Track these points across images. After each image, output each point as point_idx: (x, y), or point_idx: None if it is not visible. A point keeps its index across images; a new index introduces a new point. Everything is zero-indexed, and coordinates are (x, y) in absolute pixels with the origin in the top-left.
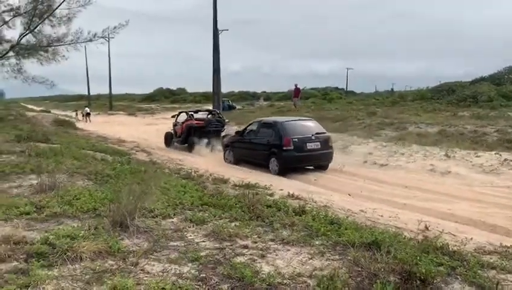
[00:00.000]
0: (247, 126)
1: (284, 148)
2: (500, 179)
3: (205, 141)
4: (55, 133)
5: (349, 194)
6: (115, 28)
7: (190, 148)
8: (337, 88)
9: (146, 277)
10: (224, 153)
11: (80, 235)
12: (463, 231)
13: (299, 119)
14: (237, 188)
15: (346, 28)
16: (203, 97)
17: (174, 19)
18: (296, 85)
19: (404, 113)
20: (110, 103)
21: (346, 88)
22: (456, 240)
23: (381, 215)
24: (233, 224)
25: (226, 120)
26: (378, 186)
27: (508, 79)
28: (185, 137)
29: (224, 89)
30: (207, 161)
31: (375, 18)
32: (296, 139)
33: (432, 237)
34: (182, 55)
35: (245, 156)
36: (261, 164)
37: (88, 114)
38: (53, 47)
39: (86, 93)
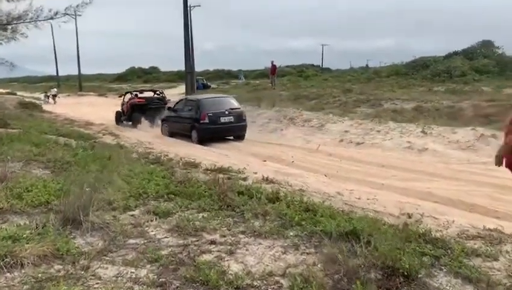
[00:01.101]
0: (176, 103)
1: (201, 121)
2: (477, 155)
3: (147, 117)
4: (17, 117)
5: (325, 175)
6: (77, 6)
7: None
8: (312, 65)
9: (97, 283)
10: (161, 127)
11: (24, 236)
12: (443, 211)
13: (217, 97)
14: (209, 172)
15: (320, 5)
16: (177, 76)
17: None
18: (272, 62)
19: (379, 90)
20: (79, 84)
21: (322, 65)
22: (438, 223)
23: (359, 198)
24: (200, 215)
25: (168, 98)
26: (355, 165)
27: (480, 53)
28: (129, 114)
29: (199, 67)
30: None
31: None
32: (211, 114)
33: (412, 221)
34: (155, 34)
35: (176, 129)
36: (187, 135)
37: (54, 96)
38: (12, 25)
39: (55, 74)
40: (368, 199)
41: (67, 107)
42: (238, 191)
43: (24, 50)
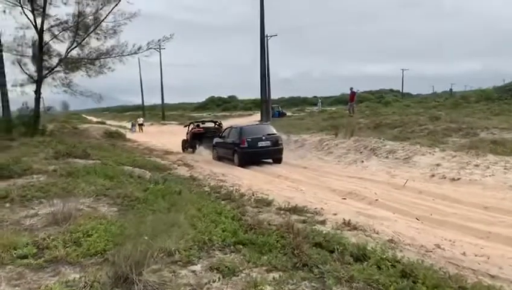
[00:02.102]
0: (224, 130)
1: (241, 145)
2: None
3: (205, 144)
4: (99, 146)
5: (417, 218)
6: (159, 40)
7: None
8: (392, 90)
9: None
10: (212, 152)
11: None
12: None
13: (257, 124)
14: (282, 212)
15: (396, 28)
16: (254, 104)
17: (223, 27)
18: (351, 89)
19: (471, 117)
20: (162, 113)
21: (402, 90)
22: None
23: (464, 253)
24: (271, 276)
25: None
26: (452, 207)
27: None
28: (190, 142)
29: (275, 95)
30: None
31: (425, 16)
32: (250, 139)
33: None
34: (233, 64)
35: (222, 153)
36: (230, 159)
37: (141, 124)
38: (100, 60)
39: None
40: (475, 255)
41: (149, 135)
42: (316, 242)
43: (117, 82)
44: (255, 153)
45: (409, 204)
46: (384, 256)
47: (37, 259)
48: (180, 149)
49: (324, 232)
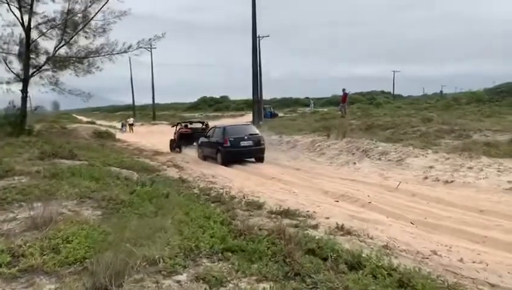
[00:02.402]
0: (209, 130)
1: (224, 145)
2: None
3: (191, 144)
4: (88, 147)
5: (411, 223)
6: (150, 39)
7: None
8: (383, 92)
9: None
10: (197, 152)
11: None
12: None
13: (240, 124)
14: (273, 216)
15: (387, 30)
16: (245, 104)
17: (216, 28)
18: (344, 90)
19: (463, 118)
20: (153, 113)
21: (393, 91)
22: None
23: (461, 259)
24: (261, 287)
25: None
26: (446, 210)
27: None
28: (177, 142)
29: (267, 96)
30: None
31: (415, 19)
32: (232, 139)
33: None
34: (225, 64)
35: (207, 152)
36: (214, 158)
37: (131, 125)
38: (89, 59)
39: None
40: (473, 262)
41: (140, 135)
42: (309, 249)
43: (108, 81)
44: (238, 152)
45: (403, 207)
46: (380, 264)
47: (10, 268)
48: (169, 149)
49: (317, 237)
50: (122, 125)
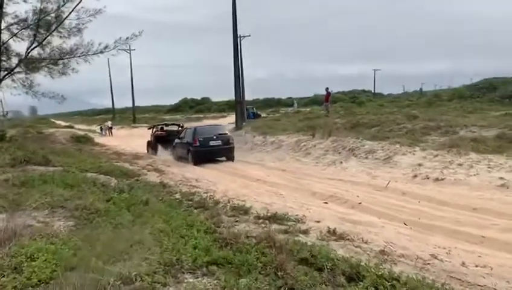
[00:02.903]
0: (182, 131)
1: (194, 145)
2: None
3: (166, 146)
4: (64, 152)
5: (405, 223)
6: (127, 38)
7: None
8: (364, 90)
9: None
10: (172, 153)
11: None
12: None
13: (210, 125)
14: (260, 221)
15: (367, 29)
16: (227, 106)
17: (195, 28)
18: (327, 89)
19: (447, 115)
20: (133, 116)
21: (374, 90)
22: None
23: (463, 263)
24: None
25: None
26: (439, 209)
27: None
28: (153, 144)
29: (250, 96)
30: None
31: (395, 18)
32: (202, 139)
33: None
34: (206, 64)
35: (180, 153)
36: (186, 158)
37: (110, 128)
38: (63, 60)
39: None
40: (476, 267)
41: (119, 139)
42: (301, 258)
43: (87, 84)
44: (207, 152)
45: (394, 207)
46: (380, 273)
47: None
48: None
49: (309, 244)
50: (101, 129)
